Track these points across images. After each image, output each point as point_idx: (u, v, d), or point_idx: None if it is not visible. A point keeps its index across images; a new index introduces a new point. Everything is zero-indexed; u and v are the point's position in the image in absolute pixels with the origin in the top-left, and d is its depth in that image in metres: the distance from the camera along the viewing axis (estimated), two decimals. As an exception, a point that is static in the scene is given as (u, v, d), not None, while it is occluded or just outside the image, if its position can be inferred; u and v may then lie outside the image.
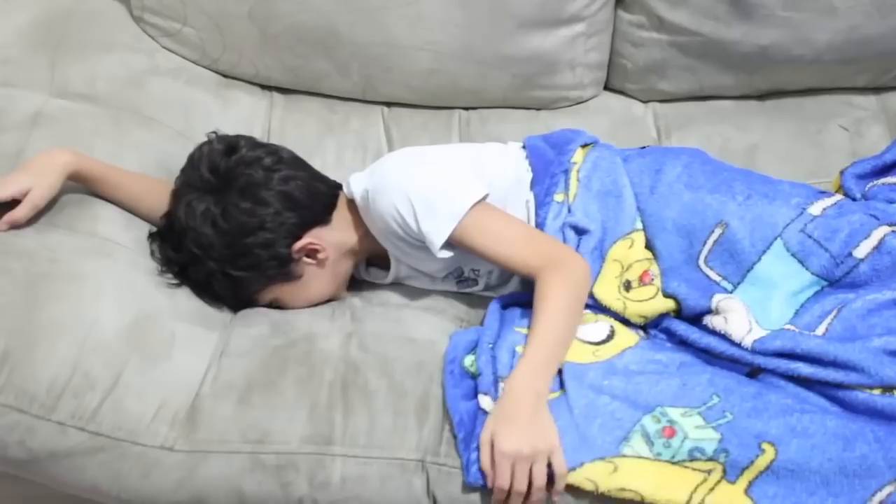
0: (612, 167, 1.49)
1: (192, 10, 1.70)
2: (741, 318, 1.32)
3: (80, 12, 1.71)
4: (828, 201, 1.41)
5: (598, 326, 1.36)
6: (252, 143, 1.43)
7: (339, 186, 1.49)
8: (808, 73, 1.77)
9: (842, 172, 1.58)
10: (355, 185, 1.43)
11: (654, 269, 1.42)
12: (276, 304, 1.43)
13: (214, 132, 1.45)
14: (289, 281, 1.41)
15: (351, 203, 1.45)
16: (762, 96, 1.83)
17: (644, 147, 1.60)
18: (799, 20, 1.68)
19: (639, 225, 1.45)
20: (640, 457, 1.20)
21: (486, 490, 1.22)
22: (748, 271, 1.39)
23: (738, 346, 1.30)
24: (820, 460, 1.16)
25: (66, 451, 1.22)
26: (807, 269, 1.36)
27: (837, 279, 1.35)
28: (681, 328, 1.35)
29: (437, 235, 1.34)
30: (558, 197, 1.46)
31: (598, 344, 1.33)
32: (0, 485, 1.36)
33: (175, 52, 1.75)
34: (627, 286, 1.41)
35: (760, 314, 1.35)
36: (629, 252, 1.43)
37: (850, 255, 1.34)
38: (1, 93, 1.53)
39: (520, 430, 1.19)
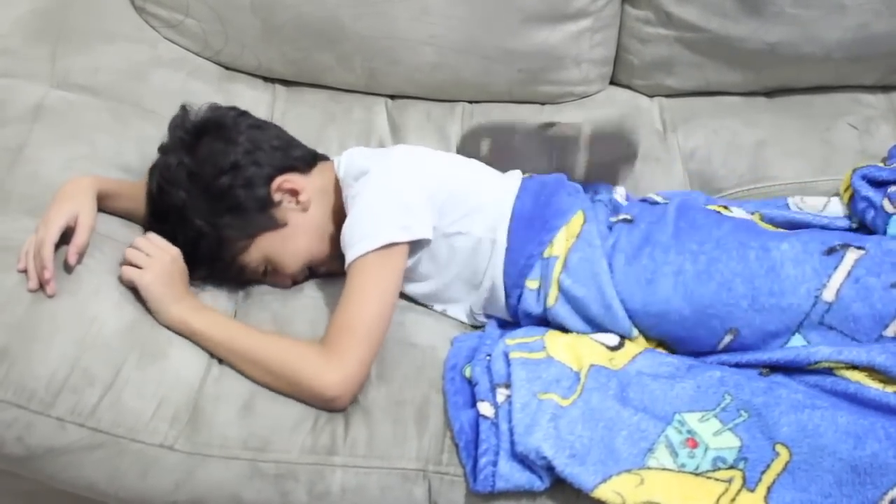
0: (596, 275, 1.35)
1: (195, 0, 1.68)
2: None
3: (81, 2, 1.70)
4: (840, 274, 1.28)
5: (610, 334, 1.35)
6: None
7: (322, 157, 1.52)
8: (816, 71, 1.76)
9: (854, 171, 1.55)
10: (349, 158, 1.46)
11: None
12: (268, 270, 1.42)
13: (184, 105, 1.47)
14: (274, 229, 1.40)
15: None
16: (770, 93, 1.82)
17: (629, 220, 1.43)
18: (808, 17, 1.67)
19: (636, 333, 1.36)
20: (664, 468, 1.19)
21: (493, 497, 1.22)
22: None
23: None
24: (832, 460, 1.15)
25: (65, 448, 1.21)
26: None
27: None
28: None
29: (350, 252, 1.33)
30: (531, 284, 1.39)
31: (613, 349, 1.32)
32: (-2, 480, 1.36)
33: (177, 43, 1.74)
34: None
35: None
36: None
37: (881, 337, 1.27)
38: (2, 84, 1.52)
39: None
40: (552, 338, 1.34)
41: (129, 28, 1.71)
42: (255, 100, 1.75)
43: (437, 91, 1.78)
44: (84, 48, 1.62)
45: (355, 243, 1.33)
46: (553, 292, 1.37)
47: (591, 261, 1.36)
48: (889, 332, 1.26)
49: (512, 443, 1.21)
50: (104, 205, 1.37)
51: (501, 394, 1.26)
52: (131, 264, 1.31)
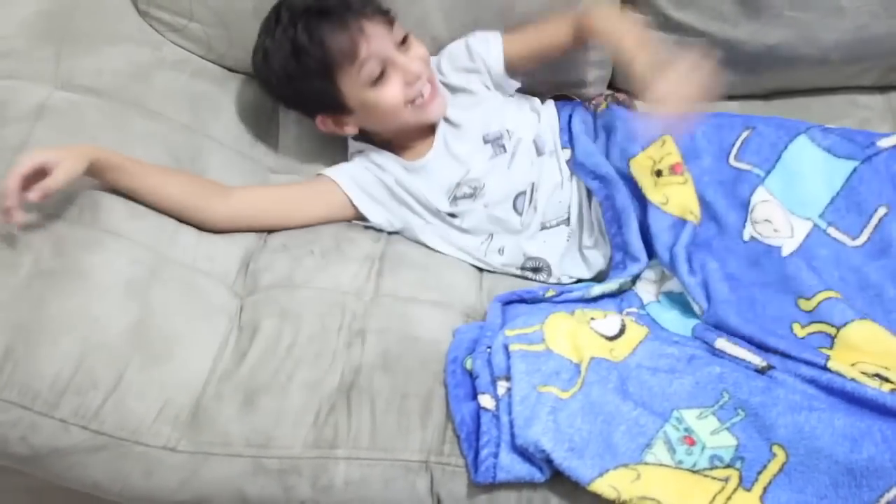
0: None
1: (198, 5, 1.69)
2: (782, 221, 1.43)
3: (85, 4, 1.70)
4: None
5: (611, 321, 1.37)
6: None
7: None
8: (814, 73, 1.76)
9: None
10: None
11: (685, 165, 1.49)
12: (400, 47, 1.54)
13: None
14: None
15: None
16: (767, 96, 1.82)
17: None
18: (806, 20, 1.67)
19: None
20: (661, 464, 1.20)
21: (494, 487, 1.23)
22: (777, 160, 1.47)
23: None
24: (828, 463, 1.16)
25: (68, 449, 1.23)
26: (834, 155, 1.45)
27: (866, 158, 1.43)
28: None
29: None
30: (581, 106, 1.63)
31: (612, 339, 1.34)
32: (1, 476, 1.36)
33: (181, 46, 1.74)
34: (658, 174, 1.47)
35: (796, 202, 1.44)
36: (661, 149, 1.51)
37: (873, 143, 1.45)
38: (5, 85, 1.52)
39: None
40: (551, 328, 1.34)
41: (134, 31, 1.71)
42: (260, 101, 1.76)
43: (438, 92, 1.78)
44: (88, 50, 1.62)
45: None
46: (602, 107, 1.64)
47: None
48: (882, 143, 1.45)
49: (512, 435, 1.22)
50: (106, 178, 1.40)
51: (502, 386, 1.27)
52: None
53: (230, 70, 1.77)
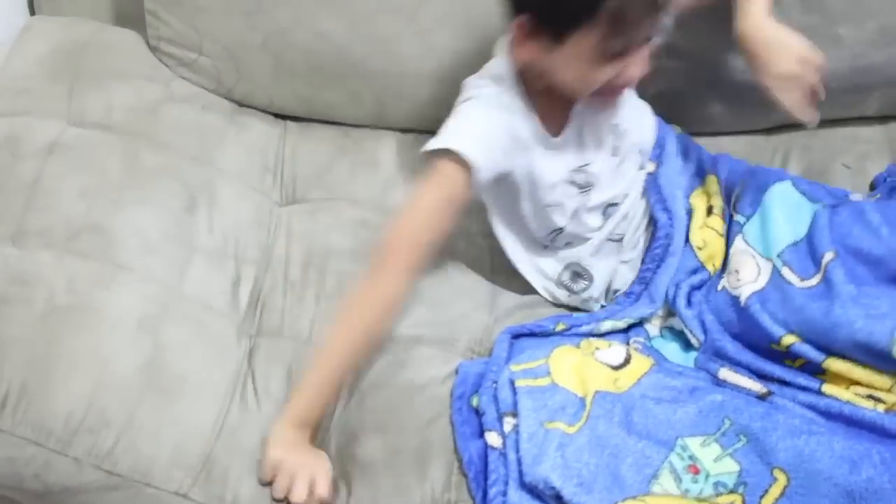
0: None
1: (208, 39, 1.71)
2: (749, 268, 1.43)
3: (97, 42, 1.73)
4: None
5: (615, 350, 1.38)
6: None
7: None
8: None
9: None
10: None
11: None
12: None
13: None
14: None
15: None
16: (769, 131, 1.82)
17: None
18: (805, 48, 1.68)
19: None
20: (668, 494, 1.21)
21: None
22: (759, 204, 1.49)
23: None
24: (828, 486, 1.17)
25: (81, 488, 1.23)
26: (808, 199, 1.49)
27: (834, 204, 1.46)
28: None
29: None
30: None
31: (617, 369, 1.35)
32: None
33: (190, 80, 1.76)
34: (709, 211, 1.55)
35: (765, 244, 1.44)
36: (714, 186, 1.58)
37: (847, 196, 1.55)
38: (19, 121, 1.55)
39: None
40: (557, 361, 1.36)
41: (144, 67, 1.74)
42: (267, 133, 1.78)
43: (446, 125, 1.80)
44: (99, 87, 1.65)
45: None
46: None
47: None
48: (854, 197, 1.53)
49: (520, 472, 1.23)
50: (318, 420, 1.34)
51: (508, 423, 1.29)
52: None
53: (239, 104, 1.79)
